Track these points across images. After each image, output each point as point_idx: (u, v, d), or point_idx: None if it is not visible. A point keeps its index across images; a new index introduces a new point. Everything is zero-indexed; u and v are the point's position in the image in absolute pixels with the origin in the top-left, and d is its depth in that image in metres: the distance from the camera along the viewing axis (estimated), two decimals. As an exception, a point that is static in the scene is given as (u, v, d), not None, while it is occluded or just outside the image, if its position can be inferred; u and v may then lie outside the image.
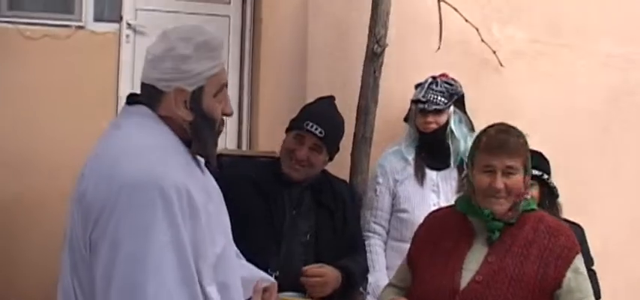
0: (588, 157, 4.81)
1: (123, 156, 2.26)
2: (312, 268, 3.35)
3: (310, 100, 3.89)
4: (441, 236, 2.94)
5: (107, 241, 2.18)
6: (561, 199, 3.90)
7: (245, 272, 2.68)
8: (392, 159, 4.11)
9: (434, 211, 3.18)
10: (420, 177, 4.04)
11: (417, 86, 4.11)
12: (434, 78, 4.06)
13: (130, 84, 5.71)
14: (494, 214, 2.81)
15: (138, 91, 2.48)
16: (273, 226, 3.42)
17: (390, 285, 3.16)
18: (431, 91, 4.00)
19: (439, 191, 4.01)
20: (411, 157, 4.08)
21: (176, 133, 2.41)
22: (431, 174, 4.05)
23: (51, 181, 5.22)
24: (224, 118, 2.50)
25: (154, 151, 2.30)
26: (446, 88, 4.02)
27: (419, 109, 4.02)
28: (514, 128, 2.90)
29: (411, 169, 4.06)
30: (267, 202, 3.45)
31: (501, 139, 2.84)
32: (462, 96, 4.10)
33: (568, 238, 2.83)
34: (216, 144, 2.50)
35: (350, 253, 3.56)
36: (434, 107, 3.97)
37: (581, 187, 4.50)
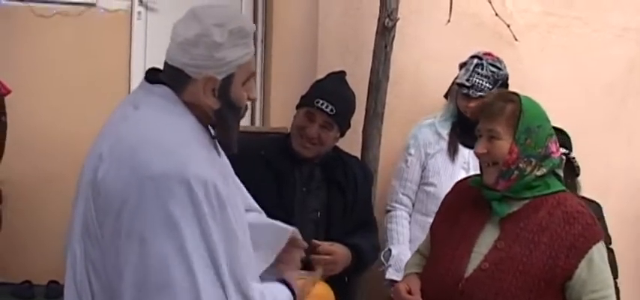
0: (603, 131, 4.77)
1: (147, 144, 2.19)
2: (322, 246, 3.33)
3: (322, 75, 3.85)
4: (462, 206, 2.86)
5: (136, 237, 2.12)
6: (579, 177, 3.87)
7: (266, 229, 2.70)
8: (426, 131, 4.09)
9: (462, 180, 3.08)
10: (453, 152, 4.02)
11: (461, 66, 4.05)
12: (480, 59, 3.98)
13: (142, 61, 5.71)
14: (486, 184, 2.74)
15: (150, 68, 2.43)
16: (283, 203, 3.40)
17: (418, 251, 3.10)
18: (476, 75, 3.93)
19: (469, 169, 3.98)
20: (445, 132, 4.05)
21: (198, 119, 2.34)
22: (464, 151, 4.02)
23: (63, 158, 5.24)
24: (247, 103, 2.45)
25: (180, 141, 2.23)
26: (492, 72, 3.94)
27: (463, 93, 3.97)
28: (511, 93, 2.79)
29: (443, 144, 4.05)
30: (277, 179, 3.44)
31: (486, 104, 2.77)
32: (507, 78, 4.04)
33: (587, 227, 2.65)
34: (238, 130, 2.44)
35: (361, 231, 3.55)
36: (478, 94, 3.91)
37: (595, 160, 4.45)
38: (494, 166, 2.71)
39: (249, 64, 2.38)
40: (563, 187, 2.79)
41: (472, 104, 3.91)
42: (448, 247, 2.79)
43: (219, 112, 2.34)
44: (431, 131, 4.09)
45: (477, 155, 2.75)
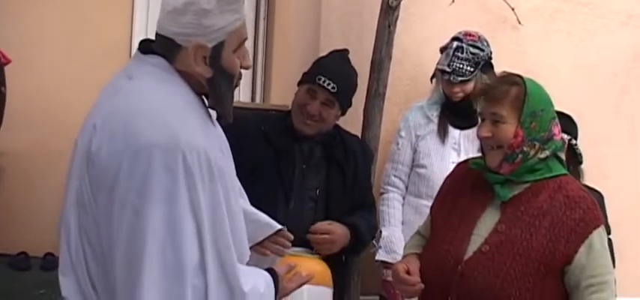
0: (606, 118, 4.76)
1: (140, 115, 2.17)
2: (321, 225, 3.32)
3: (324, 53, 3.83)
4: (462, 188, 2.83)
5: (129, 208, 2.11)
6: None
7: (252, 218, 2.67)
8: (416, 114, 4.09)
9: (462, 162, 3.04)
10: (443, 133, 4.01)
11: (442, 50, 4.03)
12: (460, 41, 3.96)
13: (143, 36, 5.63)
14: (489, 167, 2.71)
15: (143, 39, 2.40)
16: (283, 179, 3.40)
17: (417, 233, 3.07)
18: (456, 59, 3.91)
19: (460, 149, 3.98)
20: (434, 115, 4.05)
21: (192, 88, 2.32)
22: (454, 132, 4.02)
23: (61, 132, 5.21)
24: (241, 71, 2.42)
25: (173, 111, 2.21)
26: (472, 54, 3.92)
27: (444, 79, 3.96)
28: (514, 76, 2.75)
29: (433, 126, 4.04)
30: (277, 156, 3.43)
31: (489, 86, 2.74)
32: (490, 58, 4.02)
33: (588, 211, 2.64)
34: (232, 99, 2.41)
35: (359, 209, 3.54)
36: (460, 79, 3.90)
37: (597, 148, 4.44)
38: (498, 149, 2.69)
39: (240, 31, 2.34)
40: (565, 171, 2.77)
41: (456, 89, 3.92)
42: (448, 229, 2.77)
43: (211, 81, 2.32)
44: (420, 114, 4.09)
45: (481, 138, 2.72)
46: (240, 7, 2.34)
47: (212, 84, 2.33)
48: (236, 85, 2.41)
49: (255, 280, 2.35)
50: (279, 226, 2.80)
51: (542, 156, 2.70)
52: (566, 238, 2.60)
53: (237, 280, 2.25)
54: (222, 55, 2.31)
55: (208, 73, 2.30)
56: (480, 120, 2.76)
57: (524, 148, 2.67)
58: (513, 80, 2.72)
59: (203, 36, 2.27)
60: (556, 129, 2.74)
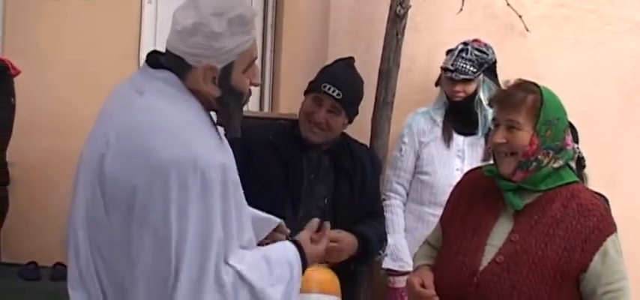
0: (613, 125, 4.75)
1: (155, 132, 2.18)
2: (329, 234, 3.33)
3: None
4: (472, 198, 2.83)
5: (149, 227, 2.13)
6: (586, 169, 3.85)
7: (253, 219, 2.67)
8: (420, 120, 4.10)
9: (470, 171, 3.05)
10: (447, 139, 4.03)
11: (448, 52, 4.07)
12: (465, 44, 4.00)
13: (152, 46, 5.67)
14: (502, 174, 2.70)
15: (152, 51, 2.41)
16: (291, 189, 3.40)
17: (426, 242, 3.06)
18: (460, 59, 3.95)
19: (464, 157, 3.99)
20: (439, 119, 4.06)
21: (201, 104, 2.33)
22: (458, 139, 4.03)
23: (71, 142, 5.21)
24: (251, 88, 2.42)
25: (190, 127, 2.23)
26: (476, 56, 3.96)
27: (447, 77, 3.98)
28: (532, 84, 2.74)
29: (438, 132, 4.05)
30: (285, 165, 3.43)
31: (506, 93, 2.74)
32: (494, 64, 4.03)
33: (601, 219, 2.64)
34: (241, 116, 2.43)
35: (368, 219, 3.54)
36: (462, 77, 3.93)
37: (604, 154, 4.43)
38: (512, 156, 2.68)
39: (250, 51, 2.35)
40: (576, 178, 2.78)
41: (457, 88, 3.94)
42: (461, 240, 2.77)
43: (220, 100, 2.33)
44: (425, 119, 4.11)
45: (495, 144, 2.70)
46: (251, 28, 2.35)
47: (221, 103, 2.34)
48: (245, 102, 2.43)
49: (282, 272, 2.37)
50: (279, 220, 2.79)
51: (555, 165, 2.70)
52: (581, 247, 2.61)
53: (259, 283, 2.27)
54: (232, 76, 2.32)
55: (217, 92, 2.31)
56: (493, 126, 2.76)
57: (539, 156, 2.67)
58: (530, 88, 2.72)
59: (213, 57, 2.28)
60: (568, 138, 2.75)
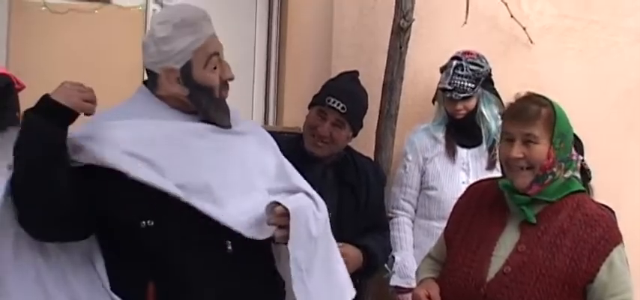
0: (618, 137, 4.74)
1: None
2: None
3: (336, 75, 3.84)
4: (477, 210, 2.83)
5: None
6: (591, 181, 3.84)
7: None
8: (422, 136, 4.08)
9: (475, 183, 3.06)
10: (452, 154, 4.01)
11: (442, 69, 4.05)
12: (459, 60, 3.98)
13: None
14: (517, 188, 2.70)
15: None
16: (295, 203, 3.38)
17: (429, 256, 3.07)
18: (457, 77, 3.93)
19: (469, 170, 3.98)
20: (440, 135, 4.04)
21: (179, 109, 2.57)
22: (461, 152, 4.02)
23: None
24: (227, 82, 2.63)
25: (106, 114, 2.56)
26: (472, 71, 3.95)
27: (447, 97, 3.97)
28: (541, 97, 2.75)
29: (441, 147, 4.04)
30: (289, 179, 3.42)
31: (521, 107, 2.72)
32: (490, 74, 4.03)
33: (607, 229, 2.66)
34: (220, 108, 2.61)
35: (372, 231, 3.53)
36: (462, 96, 3.92)
37: (610, 166, 4.42)
38: (528, 170, 2.68)
39: (205, 48, 2.56)
40: (581, 187, 2.79)
41: (458, 107, 3.93)
42: (467, 251, 2.77)
43: (191, 97, 2.56)
44: (426, 135, 4.09)
45: (512, 159, 2.69)
46: (199, 28, 2.56)
47: (193, 100, 2.57)
48: (223, 97, 2.63)
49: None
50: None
51: (566, 176, 2.73)
52: (588, 257, 2.62)
53: None
54: (193, 73, 2.55)
55: (185, 91, 2.56)
56: (503, 140, 2.76)
57: (554, 169, 2.69)
58: (541, 101, 2.74)
59: (168, 60, 2.53)
60: (573, 149, 2.78)
